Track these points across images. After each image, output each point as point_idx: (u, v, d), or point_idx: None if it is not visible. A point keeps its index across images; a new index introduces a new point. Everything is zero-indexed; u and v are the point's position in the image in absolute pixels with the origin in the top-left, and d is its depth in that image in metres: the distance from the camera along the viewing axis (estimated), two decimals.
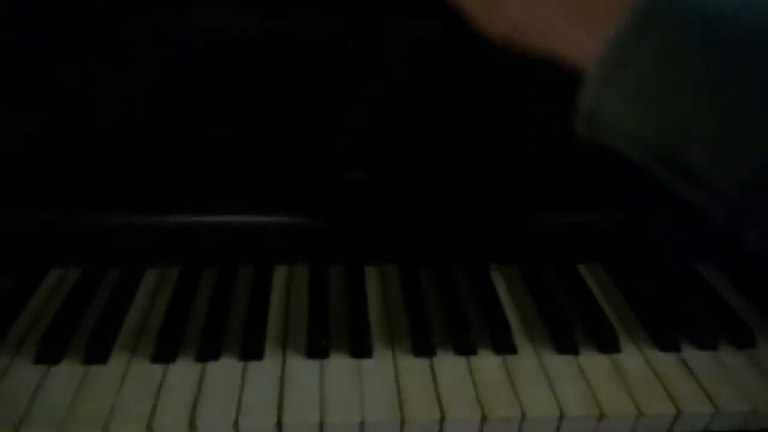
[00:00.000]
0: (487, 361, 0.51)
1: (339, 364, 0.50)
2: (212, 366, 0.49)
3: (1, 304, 0.54)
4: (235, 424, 0.45)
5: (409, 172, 0.60)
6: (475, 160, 0.60)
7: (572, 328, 0.54)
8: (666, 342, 0.53)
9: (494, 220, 0.61)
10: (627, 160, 0.28)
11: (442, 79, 0.57)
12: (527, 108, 0.59)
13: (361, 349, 0.51)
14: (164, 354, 0.49)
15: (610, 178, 0.60)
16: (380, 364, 0.50)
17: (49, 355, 0.49)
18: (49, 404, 0.45)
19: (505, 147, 0.60)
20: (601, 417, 0.47)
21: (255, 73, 0.55)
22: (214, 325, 0.52)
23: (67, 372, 0.48)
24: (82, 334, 0.51)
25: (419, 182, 0.60)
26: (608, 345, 0.52)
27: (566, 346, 0.52)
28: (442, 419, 0.46)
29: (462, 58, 0.55)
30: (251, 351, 0.50)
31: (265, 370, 0.49)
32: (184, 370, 0.49)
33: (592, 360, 0.51)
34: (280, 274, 0.60)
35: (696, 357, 0.52)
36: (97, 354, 0.49)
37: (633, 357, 0.52)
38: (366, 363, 0.50)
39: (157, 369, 0.49)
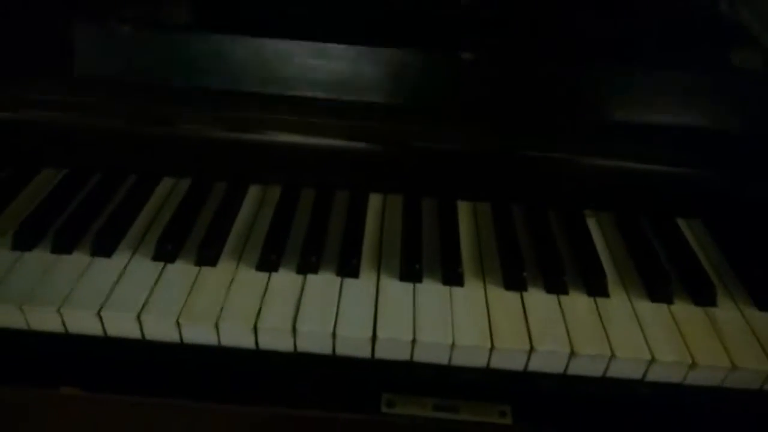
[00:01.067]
0: (578, 301, 0.51)
1: (431, 289, 0.52)
2: (312, 279, 0.52)
3: (120, 206, 0.58)
4: (333, 333, 0.47)
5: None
6: (577, 96, 0.59)
7: (667, 277, 0.53)
8: (766, 301, 0.52)
9: (591, 166, 0.60)
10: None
11: None
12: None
13: (452, 277, 0.52)
14: (268, 263, 0.52)
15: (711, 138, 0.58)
16: (471, 294, 0.52)
17: (165, 253, 0.53)
18: (166, 297, 0.49)
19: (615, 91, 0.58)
20: (693, 365, 0.46)
21: None
22: (314, 240, 0.55)
23: (181, 270, 0.52)
24: (194, 238, 0.55)
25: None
26: (705, 297, 0.52)
27: (660, 294, 0.52)
28: (531, 350, 0.47)
29: None
30: (348, 268, 0.52)
31: (360, 287, 0.51)
32: (286, 279, 0.52)
33: (686, 310, 0.51)
34: (374, 201, 0.61)
35: None
36: (207, 257, 0.53)
37: (729, 312, 0.51)
38: (457, 291, 0.52)
39: (262, 276, 0.52)
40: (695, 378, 0.47)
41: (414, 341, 0.47)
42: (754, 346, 0.48)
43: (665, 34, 0.60)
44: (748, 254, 0.57)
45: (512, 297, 0.51)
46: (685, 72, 0.58)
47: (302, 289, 0.51)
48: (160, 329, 0.48)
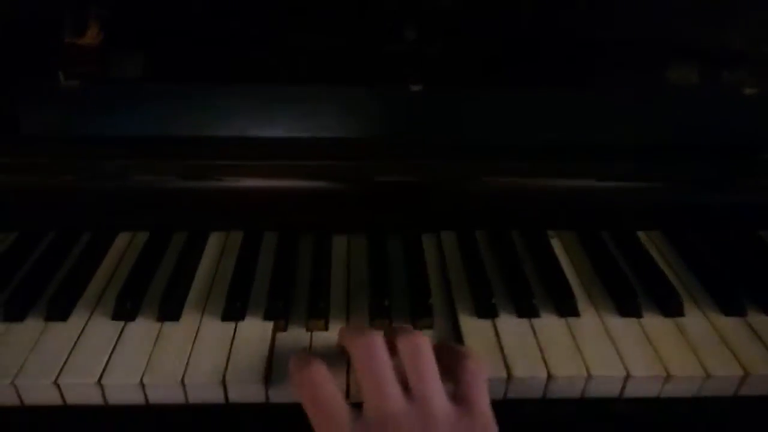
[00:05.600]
0: (550, 324, 0.51)
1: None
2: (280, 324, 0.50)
3: (74, 266, 0.56)
4: None
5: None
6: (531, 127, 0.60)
7: (634, 291, 0.53)
8: (731, 306, 0.52)
9: (552, 187, 0.61)
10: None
11: None
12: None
13: (420, 311, 0.52)
14: (234, 312, 0.51)
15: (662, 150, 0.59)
16: (442, 325, 0.51)
17: (124, 312, 0.51)
18: (128, 358, 0.47)
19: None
20: (668, 378, 0.47)
21: None
22: (280, 285, 0.53)
23: (143, 328, 0.50)
24: (155, 293, 0.53)
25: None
26: (672, 308, 0.52)
27: (629, 309, 0.52)
28: (509, 378, 0.46)
29: None
30: (317, 311, 0.51)
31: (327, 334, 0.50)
32: (253, 327, 0.50)
33: (656, 323, 0.51)
34: (338, 243, 0.61)
35: (762, 321, 0.51)
36: (169, 311, 0.51)
37: (697, 321, 0.52)
38: (427, 322, 0.51)
39: (228, 326, 0.50)
40: (671, 390, 0.47)
41: None
42: (725, 353, 0.49)
43: (609, 55, 0.62)
44: (710, 261, 0.58)
45: (484, 324, 0.51)
46: (632, 91, 0.60)
47: (273, 337, 0.49)
48: (123, 392, 0.46)
